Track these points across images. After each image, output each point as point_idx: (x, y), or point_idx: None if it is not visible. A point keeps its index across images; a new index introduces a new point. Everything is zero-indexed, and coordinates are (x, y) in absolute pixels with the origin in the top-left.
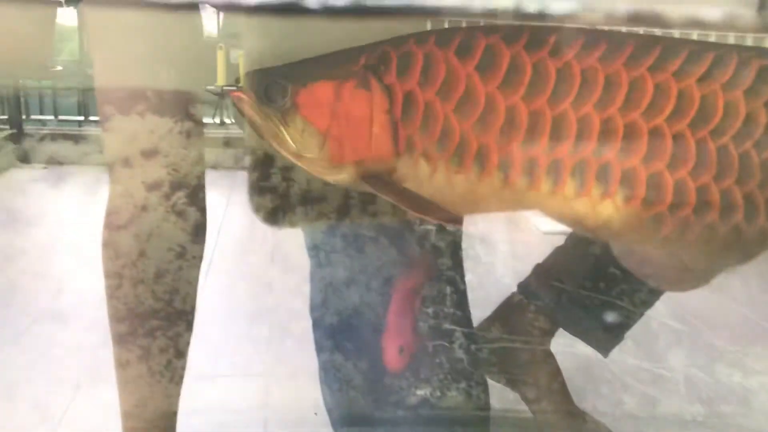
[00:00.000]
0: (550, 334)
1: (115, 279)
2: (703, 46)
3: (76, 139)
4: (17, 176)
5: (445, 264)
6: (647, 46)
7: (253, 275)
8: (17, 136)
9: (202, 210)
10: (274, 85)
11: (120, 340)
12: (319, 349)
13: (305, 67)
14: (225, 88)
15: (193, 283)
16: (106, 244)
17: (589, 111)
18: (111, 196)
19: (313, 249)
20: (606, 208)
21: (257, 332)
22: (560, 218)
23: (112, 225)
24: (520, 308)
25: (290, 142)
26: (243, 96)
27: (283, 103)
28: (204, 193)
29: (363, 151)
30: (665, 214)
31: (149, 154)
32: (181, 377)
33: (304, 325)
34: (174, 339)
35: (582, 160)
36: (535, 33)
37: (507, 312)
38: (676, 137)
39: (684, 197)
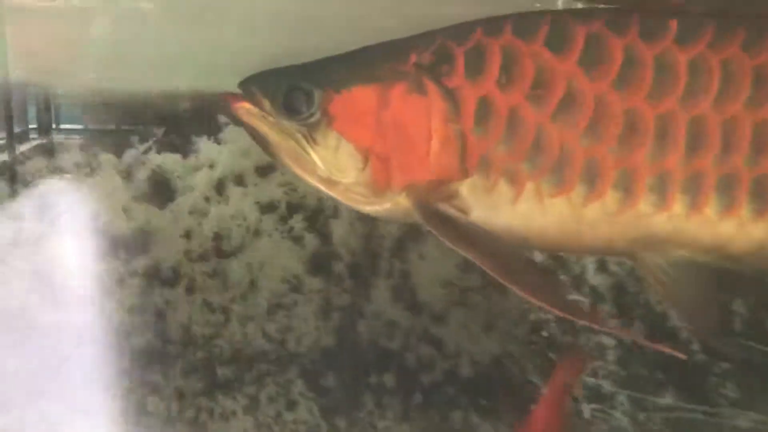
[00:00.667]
0: (741, 404)
1: (220, 315)
2: None
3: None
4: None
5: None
6: None
7: None
8: (48, 146)
9: (323, 236)
10: (297, 92)
11: (223, 386)
12: None
13: (337, 68)
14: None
15: (308, 321)
16: (213, 274)
17: (737, 111)
18: (218, 217)
19: (447, 285)
20: (759, 229)
21: None
22: (696, 245)
23: (219, 251)
24: (701, 369)
25: (319, 164)
26: (248, 106)
27: (310, 115)
28: (327, 217)
29: (417, 172)
30: None
31: (265, 170)
32: None
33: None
34: (286, 387)
35: (730, 172)
36: (648, 18)
37: (682, 372)
38: None
39: None
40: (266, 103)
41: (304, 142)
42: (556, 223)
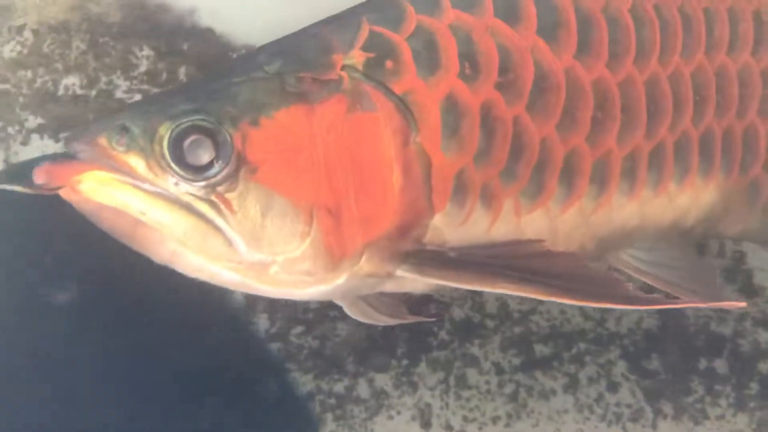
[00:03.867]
0: None
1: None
2: None
3: None
4: None
5: None
6: None
7: None
8: None
9: None
10: (192, 134)
11: (541, 364)
12: None
13: (238, 89)
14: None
15: None
16: None
17: (699, 65)
18: None
19: None
20: (709, 193)
21: None
22: (658, 228)
23: None
24: None
25: (238, 241)
26: (99, 174)
27: (221, 167)
28: None
29: (380, 220)
30: (763, 176)
31: None
32: (617, 417)
33: None
34: (607, 367)
35: (683, 135)
36: None
37: None
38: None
39: None
40: (137, 161)
41: (211, 212)
42: None
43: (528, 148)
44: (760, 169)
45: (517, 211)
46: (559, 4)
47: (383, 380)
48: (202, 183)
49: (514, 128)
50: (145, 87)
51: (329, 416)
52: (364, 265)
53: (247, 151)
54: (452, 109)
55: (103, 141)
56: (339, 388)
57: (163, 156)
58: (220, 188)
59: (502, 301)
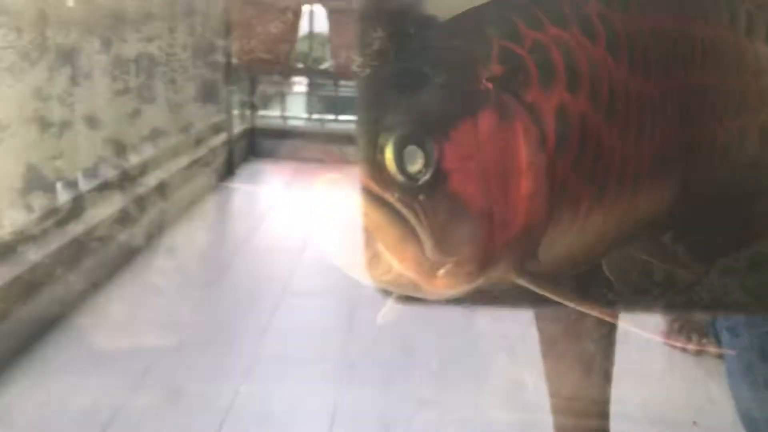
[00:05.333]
0: None
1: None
2: None
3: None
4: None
5: None
6: None
7: None
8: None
9: None
10: (407, 144)
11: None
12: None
13: (421, 100)
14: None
15: None
16: None
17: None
18: None
19: None
20: None
21: None
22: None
23: None
24: None
25: (429, 245)
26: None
27: (426, 176)
28: None
29: (513, 225)
30: None
31: None
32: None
33: None
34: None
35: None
36: None
37: None
38: None
39: None
40: (363, 168)
41: (413, 218)
42: (592, 241)
43: (604, 155)
44: None
45: (587, 215)
46: (615, 25)
47: None
48: (411, 190)
49: (596, 137)
50: (374, 63)
51: None
52: (500, 267)
53: (442, 160)
54: (562, 119)
55: (334, 148)
56: None
57: (383, 164)
58: (421, 196)
59: (669, 273)
